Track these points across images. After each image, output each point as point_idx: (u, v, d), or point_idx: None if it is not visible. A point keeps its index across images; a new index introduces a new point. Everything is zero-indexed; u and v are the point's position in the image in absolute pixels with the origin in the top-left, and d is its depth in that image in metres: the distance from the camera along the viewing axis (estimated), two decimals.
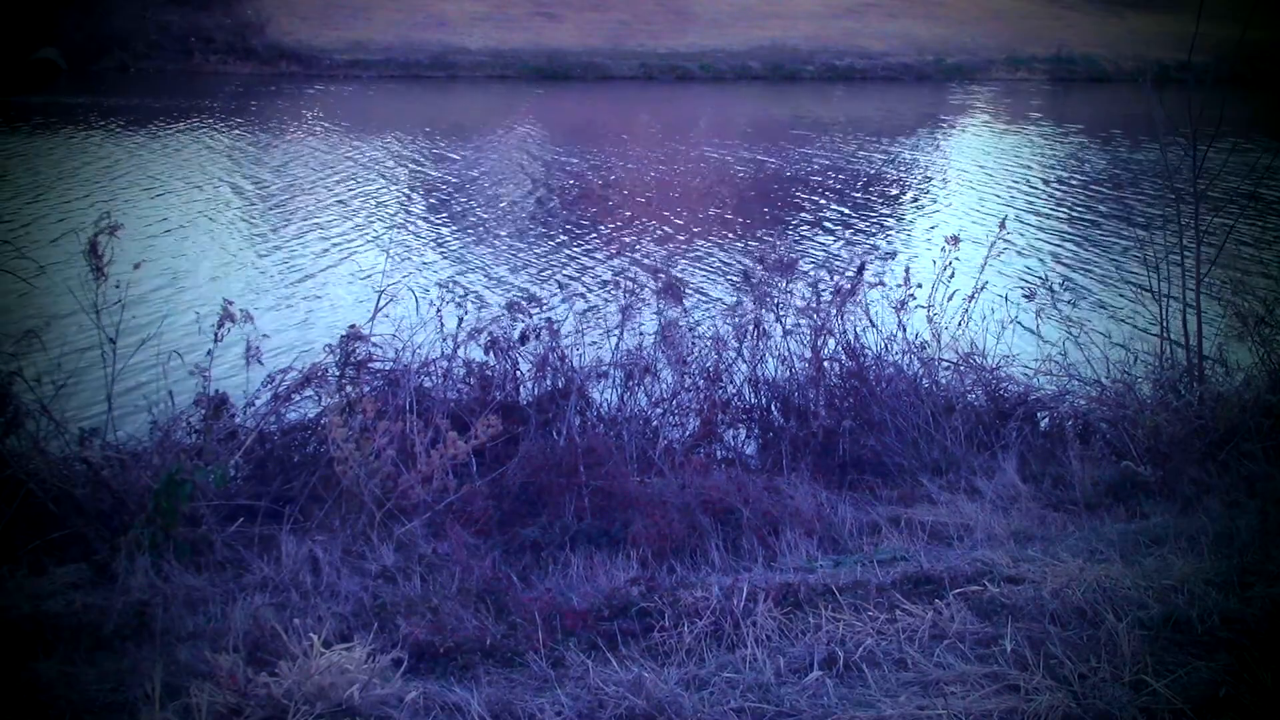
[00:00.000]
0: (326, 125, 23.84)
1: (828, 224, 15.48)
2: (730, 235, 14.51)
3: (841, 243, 14.29)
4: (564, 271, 12.57)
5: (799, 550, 4.17)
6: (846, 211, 16.47)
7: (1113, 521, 4.38)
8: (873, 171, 19.98)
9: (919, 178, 19.73)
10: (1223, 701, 2.73)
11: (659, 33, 37.25)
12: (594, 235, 14.54)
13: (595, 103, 31.68)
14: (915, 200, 17.80)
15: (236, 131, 22.51)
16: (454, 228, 14.90)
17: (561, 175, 19.06)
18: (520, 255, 13.43)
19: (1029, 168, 20.59)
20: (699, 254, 13.34)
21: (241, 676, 2.87)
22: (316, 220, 14.88)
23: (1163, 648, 3.01)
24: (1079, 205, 17.04)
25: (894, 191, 18.45)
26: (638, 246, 13.80)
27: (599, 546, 4.26)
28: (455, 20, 36.50)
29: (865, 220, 15.95)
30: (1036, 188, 18.51)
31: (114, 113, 23.84)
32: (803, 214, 16.21)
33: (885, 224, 15.85)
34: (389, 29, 35.19)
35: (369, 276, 11.53)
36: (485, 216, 15.75)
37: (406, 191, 17.36)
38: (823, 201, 17.15)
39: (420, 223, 15.20)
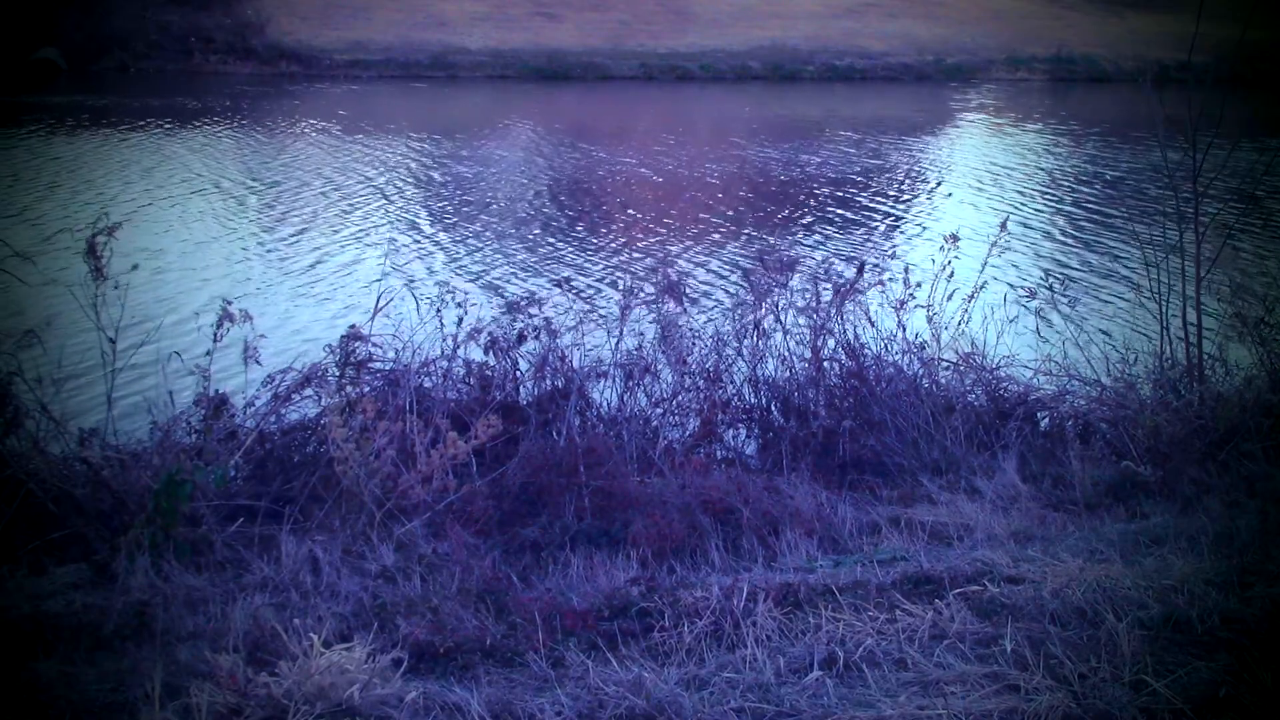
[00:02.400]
0: (367, 126, 23.77)
1: (891, 225, 15.48)
2: (795, 236, 14.49)
3: (904, 243, 14.33)
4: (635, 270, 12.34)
5: (799, 550, 4.17)
6: (898, 212, 16.51)
7: (1113, 521, 4.37)
8: (918, 171, 20.05)
9: (970, 178, 19.57)
10: (1223, 701, 2.73)
11: (659, 33, 37.25)
12: (664, 236, 14.48)
13: (609, 103, 31.67)
14: (971, 201, 17.66)
15: (279, 133, 22.51)
16: (522, 231, 14.73)
17: (614, 176, 19.03)
18: (596, 257, 13.26)
19: (1069, 168, 20.58)
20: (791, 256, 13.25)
21: (241, 676, 2.86)
22: (379, 224, 14.84)
23: (1163, 648, 3.00)
24: (1118, 205, 16.99)
25: (948, 191, 18.36)
26: (721, 248, 13.68)
27: (599, 546, 4.26)
28: (455, 20, 36.50)
29: (927, 221, 15.95)
30: (1076, 188, 18.46)
31: (147, 114, 23.93)
32: (863, 213, 16.26)
33: (947, 223, 15.79)
34: (389, 29, 35.20)
35: (453, 280, 11.44)
36: (552, 219, 15.62)
37: (462, 194, 17.25)
38: (882, 202, 17.18)
39: (483, 227, 15.02)
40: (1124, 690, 2.79)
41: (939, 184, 18.90)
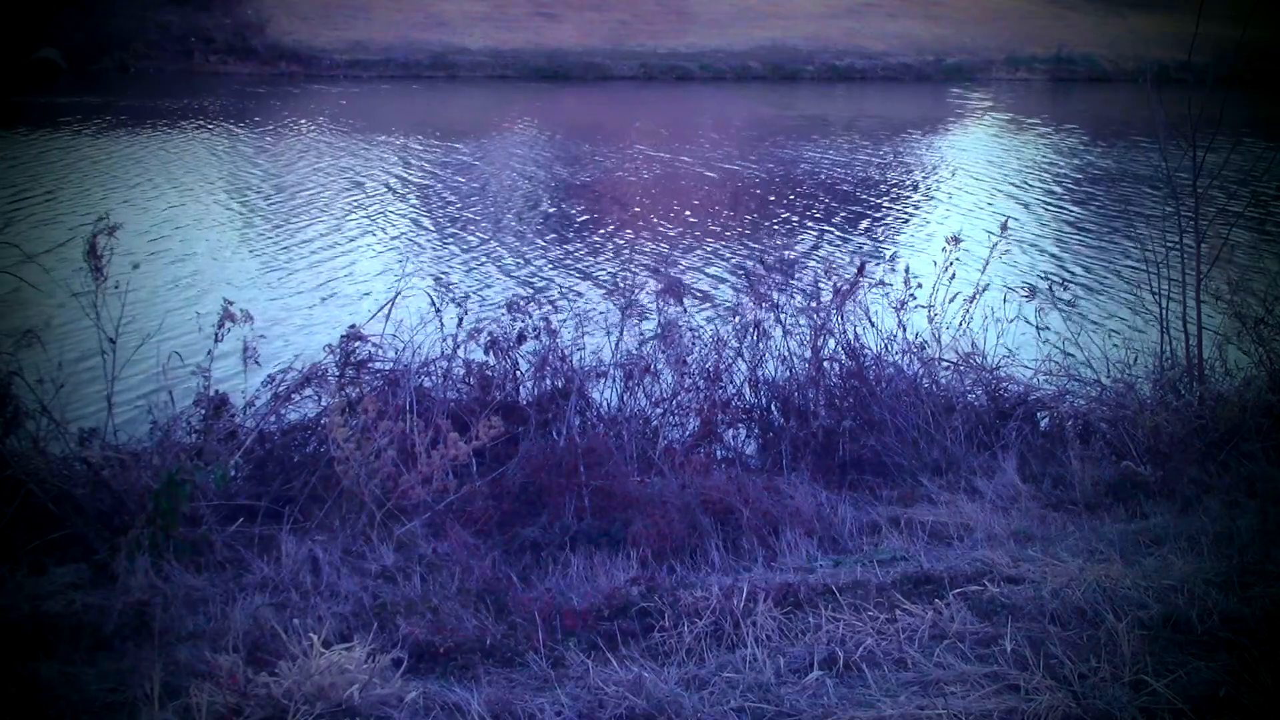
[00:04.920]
0: (401, 129, 23.68)
1: (943, 224, 15.51)
2: (846, 235, 14.53)
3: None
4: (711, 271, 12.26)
5: (799, 550, 4.17)
6: (957, 210, 16.60)
7: (1113, 521, 4.38)
8: (964, 172, 20.09)
9: (1016, 180, 19.51)
10: (1223, 701, 2.73)
11: (659, 33, 37.26)
12: (740, 233, 14.46)
13: (624, 103, 31.61)
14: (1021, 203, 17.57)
15: (318, 137, 22.47)
16: (587, 235, 14.61)
17: (661, 175, 19.00)
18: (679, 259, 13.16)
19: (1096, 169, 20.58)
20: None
21: (241, 676, 2.87)
22: (444, 226, 14.80)
23: (1163, 648, 3.01)
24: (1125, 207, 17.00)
25: (990, 193, 18.35)
26: (799, 249, 13.66)
27: (599, 546, 4.26)
28: (455, 20, 36.51)
29: (983, 220, 15.92)
30: (1129, 190, 18.38)
31: (178, 115, 23.96)
32: (913, 212, 16.39)
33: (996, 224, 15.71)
34: (389, 29, 35.21)
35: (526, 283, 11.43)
36: (621, 220, 15.57)
37: (515, 197, 17.16)
38: (937, 203, 17.28)
39: (540, 230, 14.91)
40: (1124, 690, 2.79)
41: (991, 189, 18.80)
